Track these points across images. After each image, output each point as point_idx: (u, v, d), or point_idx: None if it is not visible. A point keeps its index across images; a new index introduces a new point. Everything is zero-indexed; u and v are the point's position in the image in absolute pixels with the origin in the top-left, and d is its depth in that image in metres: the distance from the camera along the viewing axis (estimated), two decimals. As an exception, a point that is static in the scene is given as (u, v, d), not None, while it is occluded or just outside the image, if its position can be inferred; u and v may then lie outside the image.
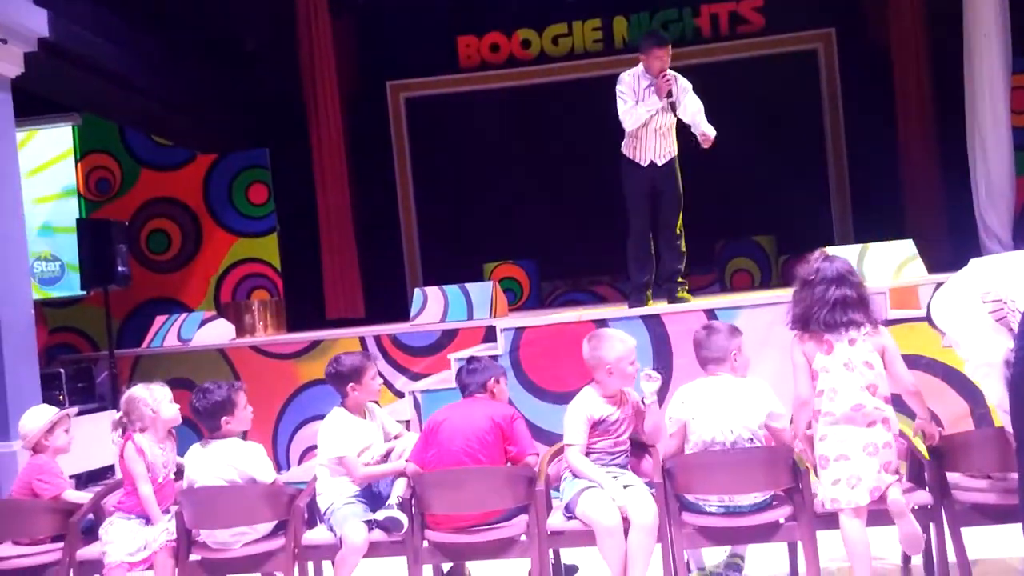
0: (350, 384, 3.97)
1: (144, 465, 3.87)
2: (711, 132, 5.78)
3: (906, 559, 3.81)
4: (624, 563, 3.48)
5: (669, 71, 5.78)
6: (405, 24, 9.98)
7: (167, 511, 3.86)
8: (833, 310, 3.45)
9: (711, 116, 5.83)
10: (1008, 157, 6.77)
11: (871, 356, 3.46)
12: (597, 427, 3.72)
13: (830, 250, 3.74)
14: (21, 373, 5.36)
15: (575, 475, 3.69)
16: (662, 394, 5.09)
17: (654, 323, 5.44)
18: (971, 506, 3.49)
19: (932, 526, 3.51)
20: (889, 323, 4.98)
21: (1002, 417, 3.38)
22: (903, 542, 3.40)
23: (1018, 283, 3.19)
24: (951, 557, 3.47)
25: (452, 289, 6.71)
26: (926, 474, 3.54)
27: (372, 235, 9.46)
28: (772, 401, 3.64)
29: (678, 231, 5.97)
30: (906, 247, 6.06)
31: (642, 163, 5.89)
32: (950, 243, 7.76)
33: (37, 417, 4.14)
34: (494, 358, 5.51)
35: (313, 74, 8.79)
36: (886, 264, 5.98)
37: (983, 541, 3.74)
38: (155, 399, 4.00)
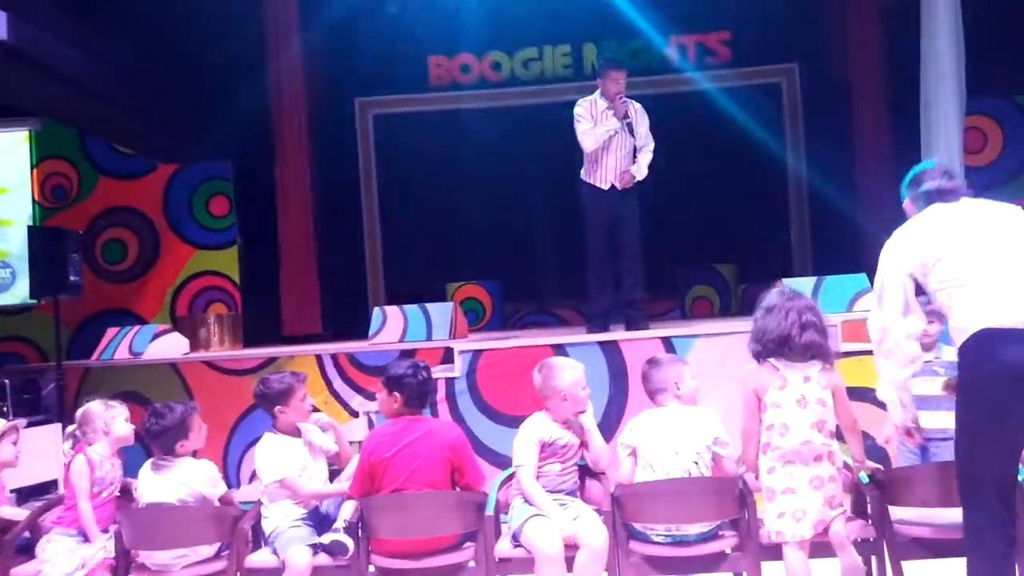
0: (278, 407, 3.92)
1: (89, 480, 3.80)
2: (640, 174, 5.90)
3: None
4: None
5: (628, 99, 5.88)
6: (376, 42, 9.97)
7: (106, 530, 3.78)
8: (795, 342, 3.46)
9: (677, 145, 5.96)
10: (960, 196, 6.89)
11: (823, 393, 3.49)
12: (546, 450, 3.73)
13: (788, 282, 3.78)
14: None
15: (525, 499, 3.68)
16: (618, 419, 5.12)
17: (611, 349, 5.46)
18: (912, 540, 3.53)
19: (874, 559, 3.55)
20: (840, 355, 5.07)
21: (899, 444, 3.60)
22: (844, 573, 3.42)
23: None
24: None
25: (412, 309, 6.68)
26: (868, 507, 3.57)
27: (334, 252, 9.39)
28: (717, 428, 3.68)
29: (638, 259, 6.03)
30: (859, 280, 6.16)
31: (603, 186, 5.95)
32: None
33: None
34: (451, 379, 5.52)
35: (280, 87, 8.75)
36: (840, 296, 6.06)
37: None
38: (110, 416, 3.95)
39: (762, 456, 3.51)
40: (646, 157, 5.99)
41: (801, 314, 3.48)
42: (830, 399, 3.50)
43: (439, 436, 3.71)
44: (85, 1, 6.74)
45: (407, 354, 5.86)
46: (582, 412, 3.82)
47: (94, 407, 3.98)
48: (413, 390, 3.74)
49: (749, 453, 3.57)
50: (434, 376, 5.45)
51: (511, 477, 3.88)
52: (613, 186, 5.95)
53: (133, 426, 4.01)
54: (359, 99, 10.37)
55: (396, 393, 3.73)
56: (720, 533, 3.59)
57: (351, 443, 4.26)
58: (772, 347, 3.50)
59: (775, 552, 3.49)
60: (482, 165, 9.94)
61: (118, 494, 3.93)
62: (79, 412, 4.01)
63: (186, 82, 8.40)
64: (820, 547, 3.46)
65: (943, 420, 3.93)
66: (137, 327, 7.19)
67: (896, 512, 3.56)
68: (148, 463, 3.85)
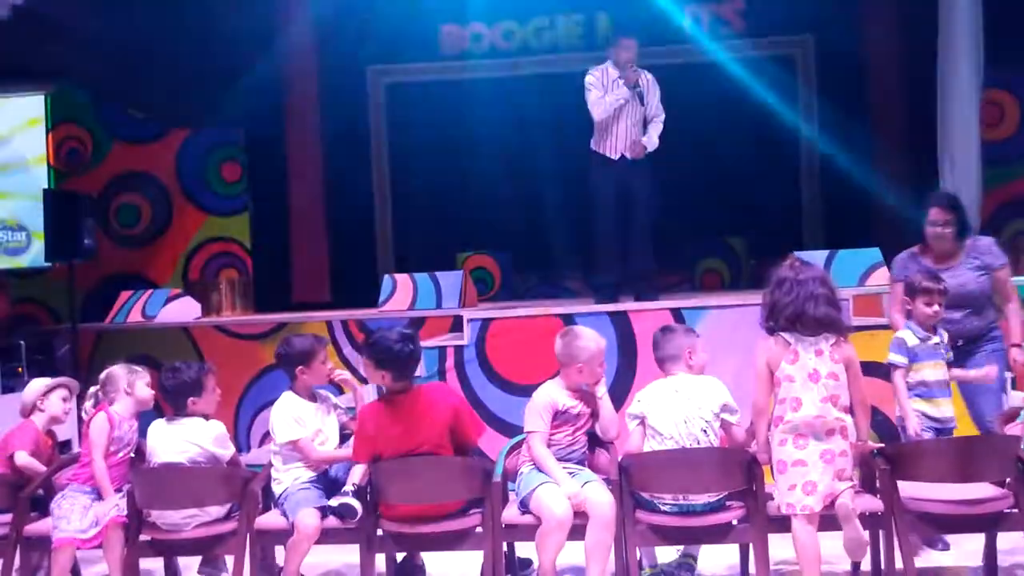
0: (299, 367, 3.96)
1: (107, 438, 3.85)
2: (651, 145, 5.89)
3: (855, 566, 3.87)
4: (555, 557, 3.52)
5: (640, 69, 5.85)
6: (388, 10, 9.90)
7: (119, 489, 3.83)
8: (809, 316, 3.44)
9: (689, 117, 5.93)
10: (976, 171, 6.84)
11: (836, 367, 3.48)
12: (558, 417, 3.76)
13: (800, 255, 3.80)
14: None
15: (535, 464, 3.71)
16: (626, 390, 5.14)
17: (621, 320, 5.47)
18: (920, 515, 3.55)
19: (881, 533, 3.57)
20: (851, 330, 5.06)
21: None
22: (847, 546, 3.44)
23: None
24: (899, 564, 3.54)
25: (422, 277, 6.70)
26: (878, 481, 3.59)
27: (345, 220, 9.40)
28: (726, 395, 3.70)
29: (648, 230, 6.02)
30: (872, 255, 6.14)
31: (613, 156, 5.94)
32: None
33: (36, 384, 4.18)
34: (460, 347, 5.55)
35: (292, 55, 8.73)
36: (852, 270, 6.05)
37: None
38: (134, 379, 4.00)
39: (774, 429, 3.51)
40: (657, 128, 5.97)
41: (813, 287, 3.46)
42: (843, 373, 3.48)
43: (436, 408, 3.68)
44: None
45: (416, 324, 5.91)
46: (596, 383, 3.85)
47: (118, 370, 4.02)
48: (402, 364, 3.68)
49: (760, 427, 3.58)
50: (443, 344, 5.53)
51: (519, 444, 3.91)
52: (623, 156, 5.94)
53: (153, 392, 4.04)
54: (371, 68, 10.31)
55: (385, 370, 3.69)
56: (728, 504, 3.60)
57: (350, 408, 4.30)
58: (784, 321, 3.49)
59: (782, 524, 3.49)
60: (493, 135, 9.88)
61: (133, 455, 3.98)
62: (103, 374, 4.06)
63: (199, 49, 8.35)
64: (827, 521, 3.47)
65: (946, 408, 3.98)
66: (150, 291, 7.24)
67: (905, 488, 3.57)
68: (159, 420, 3.90)
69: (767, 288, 3.60)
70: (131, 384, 3.98)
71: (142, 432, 3.99)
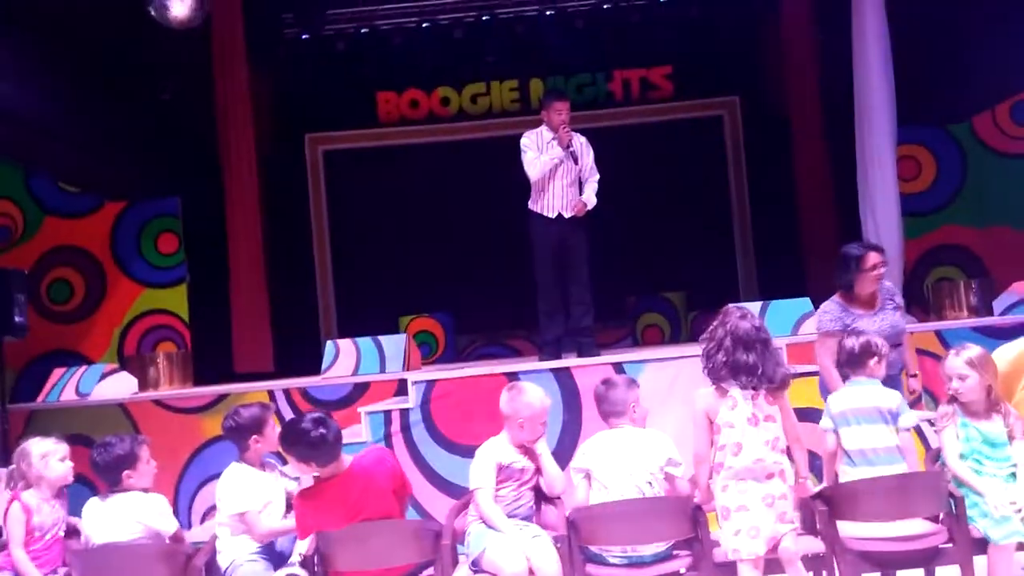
0: (252, 437, 3.91)
1: (24, 527, 3.73)
2: (591, 203, 6.05)
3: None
4: None
5: (573, 132, 6.03)
6: (325, 77, 10.04)
7: (54, 572, 3.70)
8: (742, 363, 3.55)
9: (624, 176, 6.11)
10: (896, 222, 7.15)
11: (772, 410, 3.59)
12: (502, 473, 3.77)
13: (735, 306, 3.91)
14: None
15: (483, 521, 3.70)
16: (572, 445, 5.17)
17: (564, 376, 5.53)
18: (860, 553, 3.63)
19: (824, 574, 3.64)
20: (788, 375, 5.19)
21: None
22: None
23: None
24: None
25: (365, 341, 6.68)
26: (817, 523, 3.66)
27: (286, 288, 9.35)
28: (670, 449, 3.75)
29: (588, 286, 6.13)
30: (803, 304, 6.34)
31: (550, 215, 6.07)
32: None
33: None
34: (405, 411, 5.53)
35: (228, 123, 8.71)
36: (785, 320, 6.23)
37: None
38: (44, 454, 3.87)
39: (715, 476, 3.58)
40: (593, 187, 6.13)
41: (745, 334, 3.59)
42: (779, 416, 3.60)
43: (376, 479, 3.62)
44: (24, 36, 6.68)
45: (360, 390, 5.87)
46: (535, 440, 3.88)
47: (30, 446, 3.91)
48: (323, 451, 3.56)
49: (701, 475, 3.65)
50: (388, 408, 5.51)
51: (464, 505, 3.91)
52: (560, 215, 6.07)
53: (71, 464, 3.93)
54: (308, 134, 10.41)
55: (309, 461, 3.59)
56: (675, 553, 3.64)
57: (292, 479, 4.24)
58: (721, 369, 3.60)
59: (729, 570, 3.56)
60: (432, 199, 10.03)
61: (63, 535, 3.85)
62: (16, 450, 3.95)
63: (133, 118, 8.34)
64: (772, 564, 3.54)
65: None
66: (84, 367, 7.06)
67: (844, 527, 3.66)
68: (94, 499, 3.79)
69: (704, 338, 3.70)
70: (45, 462, 3.85)
71: (75, 510, 3.87)
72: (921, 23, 7.46)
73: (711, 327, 3.69)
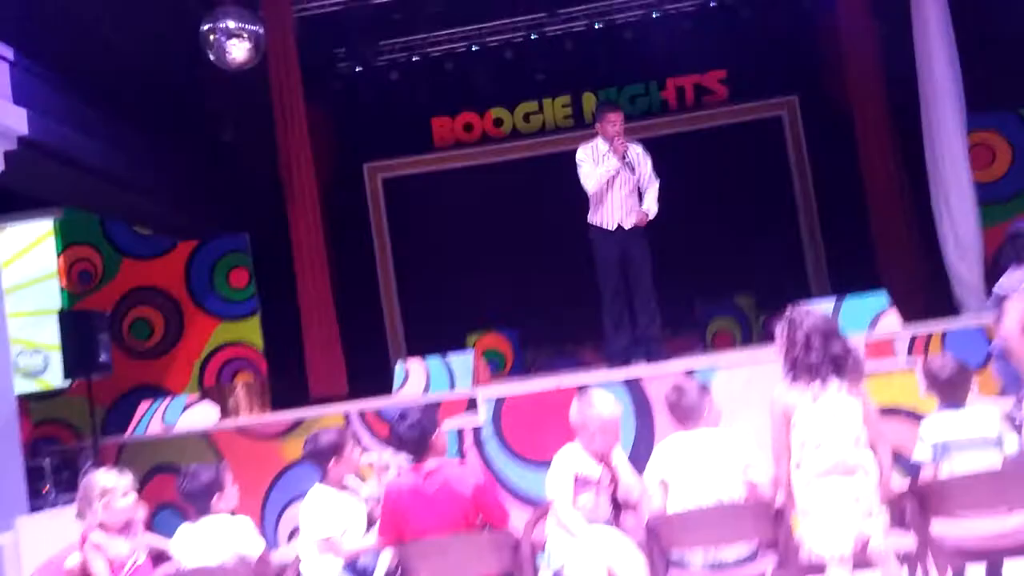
0: (331, 460, 3.98)
1: (105, 562, 3.83)
2: (652, 211, 6.01)
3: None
4: None
5: (629, 142, 6.02)
6: (380, 107, 10.23)
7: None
8: (822, 360, 3.50)
9: (685, 183, 6.07)
10: (972, 211, 6.95)
11: (853, 405, 3.51)
12: (580, 482, 3.76)
13: (811, 305, 3.86)
14: (6, 467, 5.30)
15: (564, 530, 3.69)
16: (646, 454, 5.12)
17: (634, 385, 5.48)
18: (953, 547, 3.52)
19: (918, 569, 3.54)
20: (861, 368, 5.07)
21: None
22: None
23: None
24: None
25: (433, 361, 6.73)
26: (907, 518, 3.56)
27: (354, 313, 9.48)
28: (749, 451, 3.69)
29: (652, 293, 6.09)
30: (880, 299, 6.16)
31: (609, 227, 6.06)
32: (923, 294, 7.89)
33: None
34: (477, 428, 5.56)
35: (290, 158, 8.92)
36: (860, 316, 6.06)
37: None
38: (105, 493, 3.90)
39: (796, 473, 3.52)
40: (653, 194, 6.10)
41: (817, 329, 3.53)
42: (860, 410, 3.52)
43: (457, 484, 3.70)
44: (90, 87, 6.97)
45: (432, 409, 5.92)
46: (610, 449, 3.86)
47: (94, 480, 3.94)
48: (410, 443, 3.76)
49: (782, 474, 3.59)
50: (459, 426, 5.54)
51: (541, 515, 3.91)
52: (620, 226, 6.05)
53: (134, 497, 3.96)
54: (367, 164, 10.60)
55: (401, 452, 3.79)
56: (759, 555, 3.58)
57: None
58: (801, 366, 3.54)
59: (816, 571, 3.49)
60: (491, 218, 10.11)
61: (142, 561, 3.95)
62: (82, 482, 4.00)
63: (200, 161, 8.63)
64: (861, 561, 3.46)
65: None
66: (168, 399, 7.28)
67: (936, 522, 3.55)
68: (184, 524, 3.90)
69: (782, 343, 3.64)
70: (105, 504, 3.88)
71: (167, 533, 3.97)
72: (984, 4, 7.27)
73: (784, 331, 3.63)
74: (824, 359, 3.50)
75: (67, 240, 9.11)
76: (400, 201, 10.58)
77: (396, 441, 3.82)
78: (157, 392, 8.27)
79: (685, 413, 3.81)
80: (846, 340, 3.61)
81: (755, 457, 3.70)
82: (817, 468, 3.46)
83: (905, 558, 3.54)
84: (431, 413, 3.91)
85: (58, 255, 9.07)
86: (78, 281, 9.05)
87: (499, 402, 5.59)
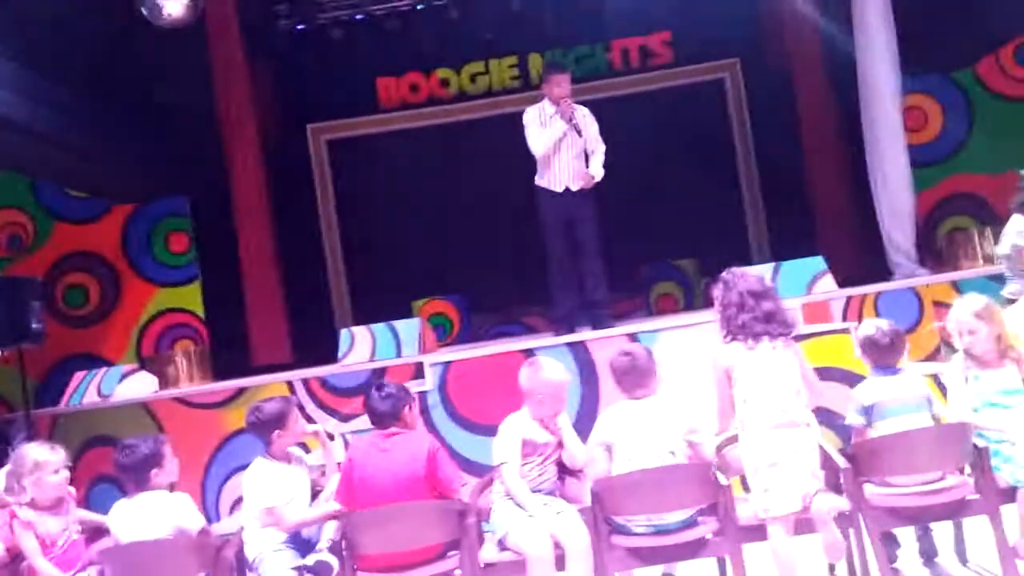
0: (275, 431, 3.94)
1: (34, 539, 3.75)
2: (598, 174, 6.02)
3: (831, 568, 3.93)
4: None
5: (575, 104, 5.99)
6: (324, 67, 10.01)
7: (83, 570, 3.75)
8: (756, 319, 3.64)
9: (629, 145, 6.07)
10: (905, 173, 7.09)
11: (792, 362, 3.63)
12: (526, 448, 3.78)
13: (745, 269, 3.96)
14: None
15: (509, 496, 3.72)
16: (591, 419, 5.18)
17: (579, 350, 5.53)
18: (887, 509, 3.62)
19: (851, 532, 3.64)
20: (803, 337, 5.19)
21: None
22: (826, 550, 3.51)
23: None
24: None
25: (380, 328, 6.68)
26: (842, 481, 3.66)
27: (298, 279, 9.37)
28: (692, 417, 3.75)
29: (599, 257, 6.11)
30: (816, 263, 6.29)
31: (557, 189, 6.05)
32: (858, 258, 8.06)
33: None
34: (423, 393, 5.55)
35: (231, 119, 8.73)
36: (798, 280, 6.18)
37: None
38: (35, 468, 3.81)
39: (741, 433, 3.61)
40: (599, 158, 6.11)
41: (751, 290, 3.67)
42: (798, 368, 3.63)
43: (416, 442, 3.75)
44: (20, 44, 6.69)
45: (378, 376, 5.91)
46: (556, 415, 3.89)
47: (25, 455, 3.85)
48: (372, 409, 3.82)
49: (727, 431, 3.70)
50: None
51: (487, 483, 3.93)
52: (567, 188, 6.05)
53: (65, 475, 3.87)
54: (311, 125, 10.39)
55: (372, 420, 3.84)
56: (700, 519, 3.64)
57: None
58: (734, 327, 3.65)
59: (755, 534, 3.58)
60: (437, 181, 10.01)
61: (78, 536, 3.88)
62: (12, 455, 3.91)
63: (136, 121, 8.36)
64: (797, 525, 3.55)
65: None
66: (104, 369, 7.12)
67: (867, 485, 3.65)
68: (121, 500, 3.82)
69: (719, 305, 3.76)
70: (35, 480, 3.80)
71: (103, 509, 3.90)
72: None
73: (719, 293, 3.76)
74: (758, 318, 3.63)
75: (-4, 204, 8.78)
76: (345, 163, 10.40)
77: (369, 412, 3.83)
78: (93, 361, 8.08)
79: (634, 381, 3.81)
80: (778, 300, 3.73)
81: (697, 421, 3.77)
82: (762, 423, 3.55)
83: (838, 520, 3.62)
84: (405, 388, 3.94)
85: (-14, 219, 8.74)
86: (8, 246, 8.74)
87: (445, 368, 5.59)
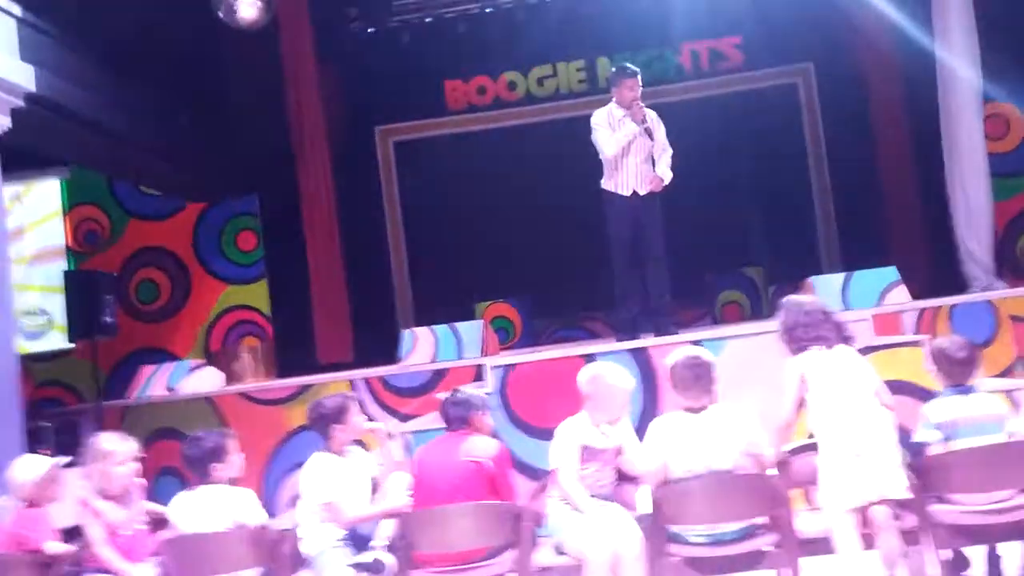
0: (335, 426, 3.97)
1: (102, 527, 3.83)
2: (666, 178, 5.95)
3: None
4: None
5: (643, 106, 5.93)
6: (392, 70, 10.10)
7: (146, 560, 3.82)
8: (829, 330, 3.75)
9: (697, 151, 6.00)
10: (985, 183, 6.85)
11: (865, 366, 3.70)
12: (586, 453, 3.74)
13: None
14: (5, 428, 5.31)
15: (566, 500, 3.68)
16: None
17: (641, 356, 5.45)
18: (952, 527, 3.49)
19: (913, 546, 3.54)
20: (873, 348, 5.04)
21: None
22: (883, 556, 3.41)
23: None
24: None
25: (442, 329, 6.71)
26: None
27: (362, 279, 9.47)
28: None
29: (663, 263, 6.04)
30: (889, 273, 6.10)
31: (624, 193, 5.98)
32: (932, 269, 7.80)
33: (28, 468, 4.08)
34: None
35: (301, 120, 8.88)
36: (870, 291, 6.01)
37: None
38: (106, 457, 3.92)
39: (820, 432, 3.62)
40: (666, 162, 6.02)
41: (815, 309, 3.80)
42: (866, 379, 3.66)
43: (476, 445, 3.78)
44: (100, 46, 6.90)
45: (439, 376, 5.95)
46: (618, 420, 3.84)
47: (97, 445, 3.96)
48: (445, 413, 3.93)
49: (784, 442, 3.76)
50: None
51: (544, 487, 3.90)
52: (635, 192, 5.98)
53: (134, 467, 3.95)
54: (378, 127, 10.50)
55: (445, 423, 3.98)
56: (758, 531, 3.56)
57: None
58: (808, 339, 3.72)
59: (813, 548, 3.51)
60: (503, 184, 10.00)
61: (145, 527, 3.95)
62: (87, 445, 4.01)
63: (208, 122, 8.55)
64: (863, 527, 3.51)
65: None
66: (172, 364, 7.29)
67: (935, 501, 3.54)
68: (183, 492, 3.89)
69: (778, 320, 3.88)
70: (104, 470, 3.90)
71: (166, 502, 3.98)
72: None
73: (784, 318, 3.87)
74: (827, 329, 3.72)
75: (73, 199, 9.07)
76: (411, 165, 10.48)
77: (442, 415, 3.97)
78: (162, 355, 8.29)
79: (696, 387, 3.73)
80: (834, 314, 3.88)
81: (758, 432, 3.69)
82: (846, 417, 3.56)
83: (905, 536, 3.51)
84: (481, 396, 4.03)
85: (64, 214, 9.04)
86: (84, 241, 9.03)
87: (506, 371, 5.57)
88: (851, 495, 3.47)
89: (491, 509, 3.65)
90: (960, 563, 3.77)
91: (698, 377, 3.73)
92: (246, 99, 8.82)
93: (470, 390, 4.05)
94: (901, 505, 3.56)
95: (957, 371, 3.71)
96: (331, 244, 8.90)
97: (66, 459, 4.37)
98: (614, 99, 6.05)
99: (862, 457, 3.50)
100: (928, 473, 3.52)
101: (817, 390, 3.63)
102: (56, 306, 7.76)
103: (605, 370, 3.90)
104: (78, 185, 9.04)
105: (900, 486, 3.49)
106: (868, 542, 3.49)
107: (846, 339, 3.75)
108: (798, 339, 3.72)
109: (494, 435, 5.31)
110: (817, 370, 3.65)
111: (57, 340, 8.38)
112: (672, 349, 5.32)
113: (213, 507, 3.78)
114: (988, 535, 3.56)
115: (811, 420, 3.69)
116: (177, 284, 8.92)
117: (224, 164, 8.84)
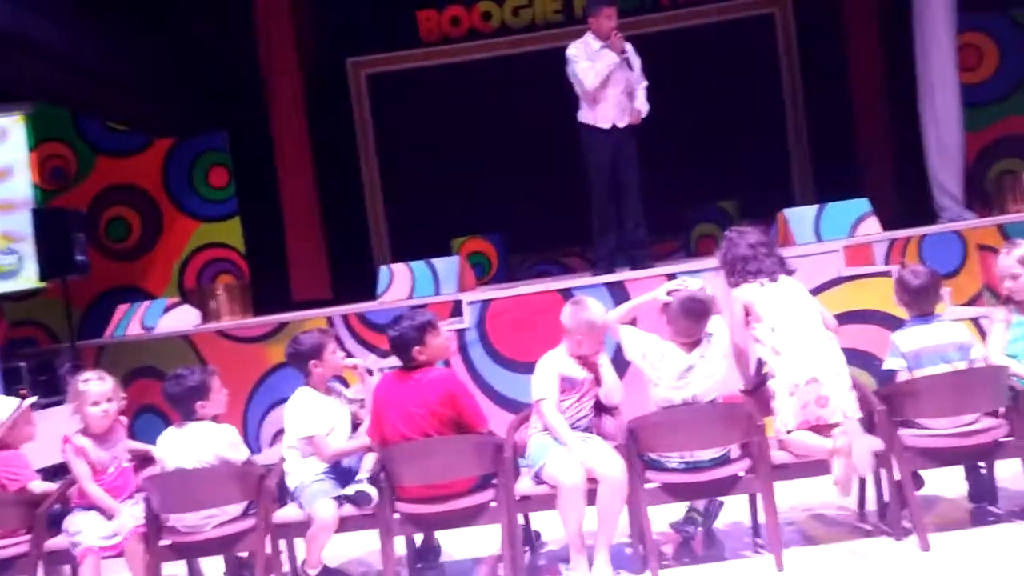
0: (312, 362, 3.99)
1: (86, 464, 3.85)
2: (644, 109, 5.91)
3: (861, 504, 3.96)
4: (579, 524, 3.58)
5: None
6: (362, 1, 9.89)
7: (131, 497, 3.87)
8: (771, 263, 3.84)
9: (673, 83, 5.96)
10: (957, 114, 6.88)
11: (804, 293, 3.82)
12: (563, 384, 3.80)
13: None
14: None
15: (547, 430, 3.75)
16: (628, 362, 5.18)
17: (618, 290, 5.50)
18: (920, 450, 3.61)
19: (884, 470, 3.67)
20: (844, 279, 5.13)
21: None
22: (838, 482, 3.49)
23: None
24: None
25: (418, 265, 6.70)
26: (876, 419, 3.65)
27: (337, 214, 9.40)
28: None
29: (639, 196, 6.05)
30: (861, 205, 6.16)
31: (604, 126, 5.95)
32: (904, 200, 7.89)
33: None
34: (461, 331, 5.58)
35: (271, 53, 8.69)
36: (842, 222, 6.07)
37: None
38: (79, 398, 3.90)
39: (774, 359, 3.68)
40: (643, 94, 5.99)
41: (759, 241, 3.85)
42: (811, 304, 3.79)
43: (430, 390, 3.73)
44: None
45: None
46: (597, 353, 3.89)
47: (76, 386, 3.93)
48: (391, 342, 3.83)
49: (745, 369, 3.84)
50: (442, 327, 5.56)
51: (524, 419, 3.96)
52: (615, 125, 5.95)
53: (106, 407, 3.90)
54: (351, 59, 10.30)
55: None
56: (732, 457, 3.67)
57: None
58: (748, 272, 3.81)
59: (786, 473, 3.61)
60: (478, 117, 9.90)
61: (129, 463, 3.99)
62: (70, 385, 4.01)
63: (176, 54, 8.34)
64: (820, 467, 3.59)
65: None
66: (147, 302, 7.24)
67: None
68: (169, 429, 3.92)
69: (718, 255, 4.01)
70: (80, 409, 3.89)
71: (149, 439, 4.00)
72: None
73: (725, 249, 3.96)
74: (770, 262, 3.80)
75: (38, 135, 8.84)
76: (385, 98, 10.32)
77: (391, 346, 3.86)
78: (136, 294, 8.22)
79: (696, 328, 3.74)
80: (777, 248, 3.98)
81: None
82: (796, 343, 3.64)
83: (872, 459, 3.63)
84: (423, 324, 3.82)
85: (29, 151, 8.82)
86: (51, 178, 8.85)
87: (483, 306, 5.61)
88: (806, 419, 3.57)
89: (472, 442, 3.71)
90: (917, 482, 3.92)
91: (699, 316, 3.74)
92: (214, 30, 8.60)
93: (405, 321, 3.82)
94: (869, 428, 3.67)
95: (919, 300, 3.80)
96: (305, 180, 8.80)
97: (35, 398, 4.33)
98: (590, 30, 5.98)
99: (817, 381, 3.58)
100: (896, 399, 3.63)
101: (766, 320, 3.71)
102: (26, 241, 7.62)
103: (587, 305, 3.92)
104: (42, 121, 8.79)
105: (852, 407, 3.62)
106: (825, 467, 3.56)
107: (789, 272, 3.85)
108: (743, 271, 3.81)
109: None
110: (763, 301, 3.73)
111: (30, 279, 8.26)
112: (648, 283, 5.39)
113: (198, 443, 3.81)
114: (953, 457, 3.68)
115: (760, 350, 3.77)
116: (148, 222, 8.80)
117: (192, 98, 8.64)
